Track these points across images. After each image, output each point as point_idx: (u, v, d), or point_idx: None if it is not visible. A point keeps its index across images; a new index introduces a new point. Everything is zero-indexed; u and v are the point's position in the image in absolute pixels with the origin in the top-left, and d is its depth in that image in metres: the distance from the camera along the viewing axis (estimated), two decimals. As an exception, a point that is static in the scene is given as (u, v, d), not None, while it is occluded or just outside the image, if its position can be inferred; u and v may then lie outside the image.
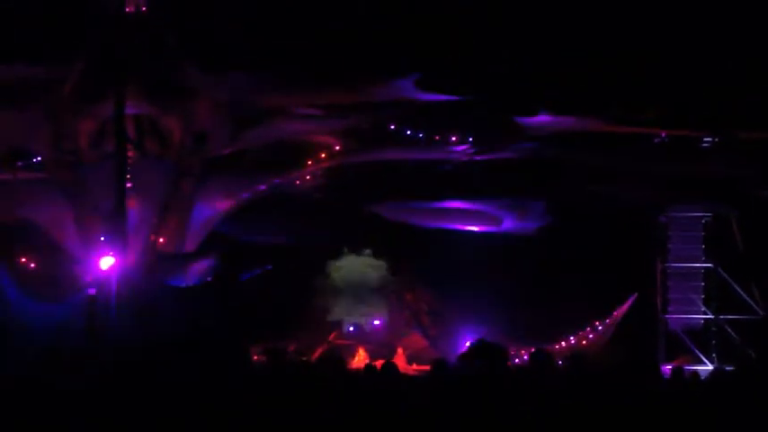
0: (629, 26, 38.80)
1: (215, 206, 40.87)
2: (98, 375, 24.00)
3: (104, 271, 34.99)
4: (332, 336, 39.66)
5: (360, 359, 36.87)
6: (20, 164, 39.78)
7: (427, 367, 30.44)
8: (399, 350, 38.06)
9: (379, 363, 33.31)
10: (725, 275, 37.87)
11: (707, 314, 37.85)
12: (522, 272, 37.50)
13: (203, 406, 13.95)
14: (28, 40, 36.96)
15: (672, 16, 39.01)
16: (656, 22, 39.07)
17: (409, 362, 36.73)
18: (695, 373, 25.31)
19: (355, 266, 40.52)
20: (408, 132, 41.04)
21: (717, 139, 39.00)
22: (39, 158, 40.06)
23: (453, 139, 40.90)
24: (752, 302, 37.56)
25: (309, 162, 41.62)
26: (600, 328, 38.67)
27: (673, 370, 34.16)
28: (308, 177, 42.09)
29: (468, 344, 35.32)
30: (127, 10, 38.11)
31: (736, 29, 38.46)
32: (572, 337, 38.73)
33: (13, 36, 36.43)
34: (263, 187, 41.20)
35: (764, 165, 38.04)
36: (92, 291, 35.09)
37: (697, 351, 37.12)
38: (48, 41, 37.18)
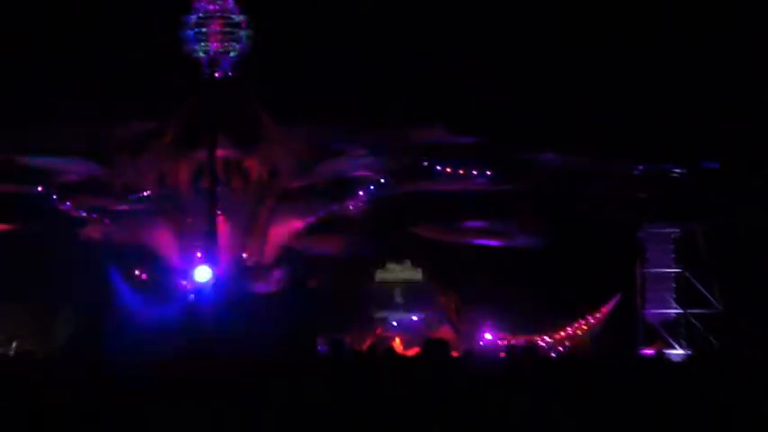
0: (610, 86, 38.54)
1: (287, 227, 40.79)
2: (199, 358, 26.45)
3: (201, 280, 36.52)
4: (378, 329, 39.33)
5: (396, 346, 36.00)
6: (133, 197, 40.23)
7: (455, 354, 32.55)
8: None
9: (412, 350, 35.36)
10: (691, 278, 38.12)
11: (677, 309, 38.30)
12: (529, 278, 36.66)
13: (283, 382, 14.48)
14: (139, 103, 37.20)
15: (642, 71, 39.29)
16: (625, 79, 39.00)
17: None
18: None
19: (397, 274, 40.86)
20: (438, 168, 40.73)
21: (684, 171, 39.13)
22: (148, 193, 40.28)
23: (474, 172, 40.60)
24: (713, 299, 37.70)
25: (360, 192, 41.51)
26: (591, 321, 38.87)
27: (657, 353, 36.96)
28: (360, 204, 41.48)
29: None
30: (216, 75, 38.82)
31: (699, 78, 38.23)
32: (569, 329, 38.99)
33: (127, 100, 37.00)
34: (323, 212, 41.15)
35: (722, 191, 37.68)
36: (191, 296, 36.84)
37: (669, 339, 37.66)
38: (154, 103, 37.64)
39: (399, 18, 40.01)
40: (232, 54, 39.12)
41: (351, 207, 41.89)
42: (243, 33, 38.94)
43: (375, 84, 38.19)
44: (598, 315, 39.15)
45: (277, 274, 39.71)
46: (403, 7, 39.82)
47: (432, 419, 11.06)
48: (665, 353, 35.88)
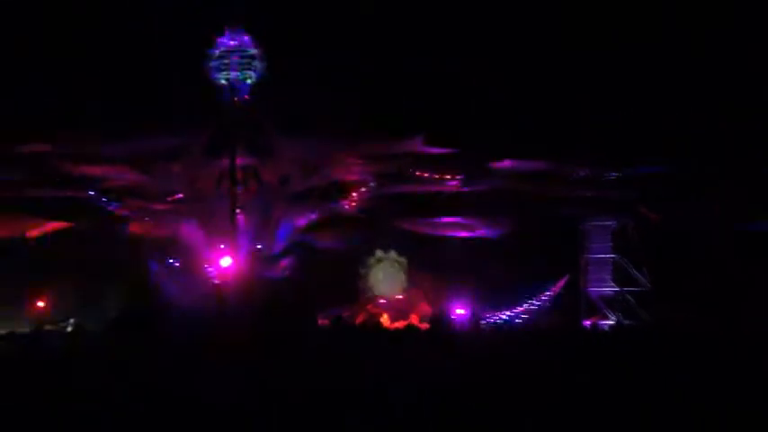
0: (562, 106, 37.94)
1: (294, 223, 40.59)
2: (224, 330, 26.45)
3: (224, 267, 36.34)
4: (369, 306, 39.25)
5: (384, 321, 36.45)
6: (168, 199, 40.16)
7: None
8: (413, 315, 37.78)
9: (397, 323, 35.25)
10: (625, 263, 38.36)
11: (614, 288, 38.46)
12: (491, 263, 36.67)
13: (289, 350, 15.34)
14: (172, 121, 36.51)
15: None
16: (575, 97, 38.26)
17: (420, 321, 36.07)
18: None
19: (385, 261, 40.56)
20: (418, 173, 40.50)
21: (619, 175, 39.06)
22: (180, 195, 40.12)
23: (448, 177, 40.45)
24: (642, 279, 37.89)
25: (354, 194, 41.33)
26: (544, 298, 38.89)
27: (591, 324, 36.88)
28: (353, 203, 41.28)
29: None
30: (235, 99, 38.95)
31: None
32: (527, 305, 38.83)
33: (162, 119, 36.19)
34: (323, 210, 40.92)
35: (651, 191, 37.89)
36: (216, 280, 36.41)
37: (607, 312, 37.94)
38: (184, 122, 37.03)
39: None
40: (248, 81, 39.17)
41: (346, 206, 41.71)
42: (257, 64, 38.90)
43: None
44: (550, 293, 39.17)
45: (285, 261, 39.55)
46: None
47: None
48: (599, 323, 36.40)
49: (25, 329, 29.50)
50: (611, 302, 38.43)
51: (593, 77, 38.16)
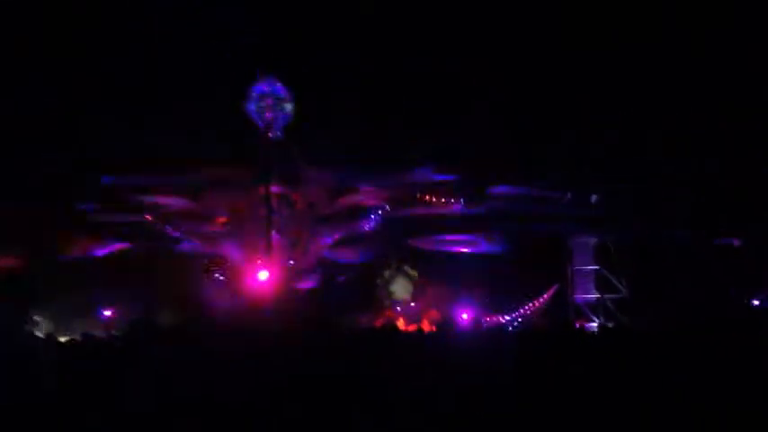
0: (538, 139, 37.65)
1: (321, 242, 40.73)
2: (262, 336, 26.70)
3: (261, 280, 36.09)
4: (387, 312, 39.02)
5: (399, 324, 35.49)
6: (214, 222, 39.90)
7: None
8: (424, 319, 37.31)
9: (411, 326, 35.20)
10: (606, 273, 38.52)
11: (596, 295, 38.58)
12: (491, 275, 36.73)
13: (318, 349, 14.35)
14: (217, 158, 37.22)
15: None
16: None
17: (431, 325, 35.12)
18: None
19: (400, 273, 40.45)
20: (426, 198, 40.57)
21: (597, 198, 39.28)
22: (223, 219, 40.09)
23: (453, 201, 40.31)
24: (621, 288, 38.12)
25: (371, 216, 40.91)
26: (536, 304, 38.97)
27: (580, 325, 36.55)
28: (370, 224, 40.86)
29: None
30: (269, 135, 38.93)
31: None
32: (522, 309, 38.84)
33: (208, 157, 36.64)
34: (346, 231, 40.87)
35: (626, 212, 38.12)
36: (255, 291, 35.71)
37: (591, 315, 38.04)
38: (227, 158, 37.55)
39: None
40: (280, 121, 39.26)
41: (365, 227, 41.61)
42: (288, 106, 39.12)
43: (387, 127, 36.67)
44: (541, 300, 39.31)
45: (315, 275, 39.71)
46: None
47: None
48: (586, 325, 36.50)
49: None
50: (594, 308, 38.54)
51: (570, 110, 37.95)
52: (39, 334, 27.31)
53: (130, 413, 10.13)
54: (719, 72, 35.39)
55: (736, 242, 37.01)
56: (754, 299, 34.11)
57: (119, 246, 38.57)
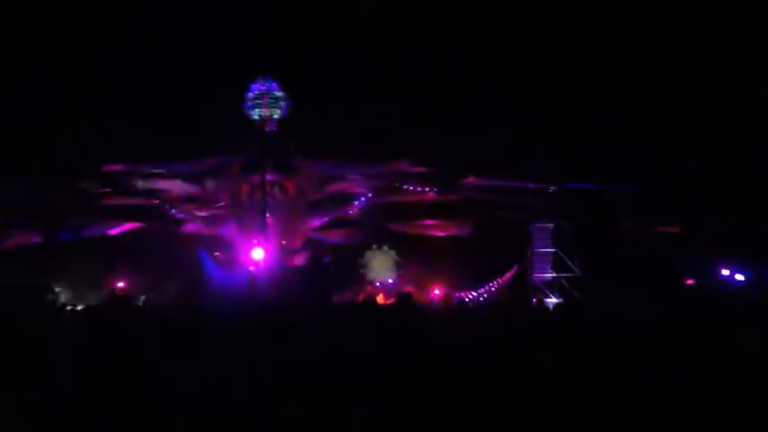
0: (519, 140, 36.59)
1: (310, 224, 40.76)
2: (258, 308, 26.65)
3: (257, 259, 35.58)
4: (368, 288, 38.65)
5: (379, 299, 35.56)
6: (214, 206, 40.28)
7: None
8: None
9: (389, 300, 34.97)
10: (562, 254, 38.00)
11: (553, 274, 38.19)
12: (461, 255, 36.40)
13: (310, 320, 15.16)
14: (217, 149, 37.20)
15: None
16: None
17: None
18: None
19: (380, 254, 39.73)
20: (405, 187, 40.68)
21: (555, 189, 39.18)
22: (223, 203, 40.34)
23: (427, 189, 40.55)
24: (575, 267, 37.75)
25: (356, 202, 41.30)
26: (499, 282, 38.69)
27: (537, 301, 36.65)
28: (354, 209, 41.29)
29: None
30: (267, 130, 39.06)
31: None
32: (487, 286, 38.43)
33: (209, 148, 36.82)
34: (332, 215, 40.96)
35: (580, 202, 37.60)
36: (251, 268, 35.52)
37: (548, 293, 37.54)
38: (227, 149, 37.46)
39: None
40: (275, 116, 39.23)
41: (350, 211, 41.72)
42: (283, 103, 39.12)
43: (371, 123, 35.52)
44: (504, 278, 39.14)
45: (304, 254, 39.61)
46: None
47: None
48: (544, 300, 36.52)
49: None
50: (551, 285, 38.61)
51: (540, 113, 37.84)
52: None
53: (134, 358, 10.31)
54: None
55: (676, 229, 37.14)
56: (722, 269, 33.52)
57: (130, 225, 38.51)
